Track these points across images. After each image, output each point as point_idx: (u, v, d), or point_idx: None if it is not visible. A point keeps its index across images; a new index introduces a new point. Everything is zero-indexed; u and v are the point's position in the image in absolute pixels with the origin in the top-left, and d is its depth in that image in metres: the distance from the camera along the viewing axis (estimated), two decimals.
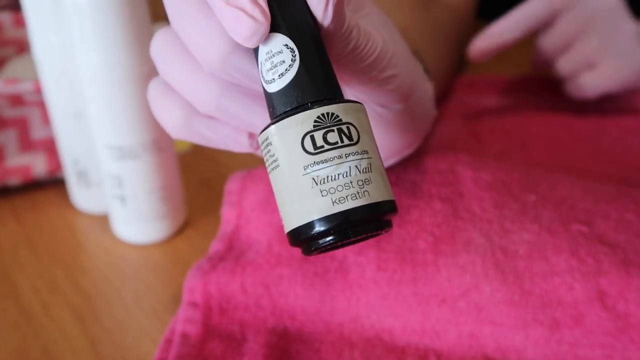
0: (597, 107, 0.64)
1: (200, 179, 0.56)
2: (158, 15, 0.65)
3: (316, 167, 0.24)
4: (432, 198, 0.40)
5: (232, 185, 0.45)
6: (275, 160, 0.25)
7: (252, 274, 0.38)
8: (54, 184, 0.55)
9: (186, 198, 0.52)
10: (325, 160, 0.24)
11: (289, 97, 0.25)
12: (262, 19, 0.25)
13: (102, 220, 0.50)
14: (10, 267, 0.46)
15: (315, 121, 0.25)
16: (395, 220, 0.39)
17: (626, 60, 0.59)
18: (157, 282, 0.44)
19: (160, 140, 0.44)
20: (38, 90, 0.51)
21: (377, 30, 0.31)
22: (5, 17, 0.63)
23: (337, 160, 0.24)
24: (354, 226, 0.25)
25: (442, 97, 0.68)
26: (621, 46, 0.59)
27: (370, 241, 0.38)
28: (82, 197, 0.51)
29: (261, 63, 0.26)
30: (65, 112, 0.47)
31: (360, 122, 0.26)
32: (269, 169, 0.26)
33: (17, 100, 0.52)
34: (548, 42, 0.61)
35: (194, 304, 0.38)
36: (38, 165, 0.54)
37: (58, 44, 0.45)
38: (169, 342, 0.37)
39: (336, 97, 0.26)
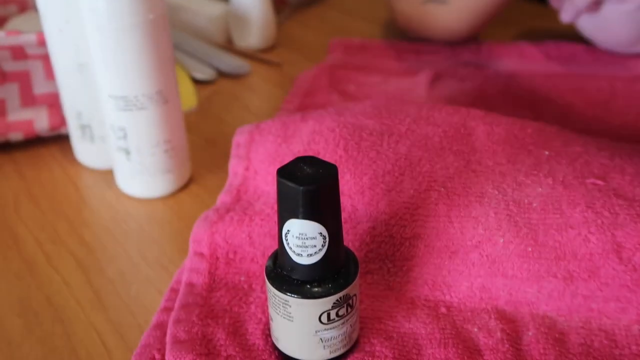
0: (608, 71, 0.63)
1: (206, 137, 0.55)
2: None
3: (325, 332, 0.30)
4: (444, 151, 0.39)
5: (240, 138, 0.44)
6: (290, 316, 0.30)
7: (259, 224, 0.37)
8: (57, 140, 0.54)
9: (191, 156, 0.51)
10: (333, 327, 0.30)
11: (312, 272, 0.29)
12: None
13: (107, 176, 0.49)
14: (11, 219, 0.45)
15: (333, 303, 0.29)
16: (407, 172, 0.38)
17: None
18: (162, 236, 0.43)
19: (165, 92, 0.43)
20: (41, 43, 0.50)
21: None
22: None
23: (340, 326, 0.30)
24: None
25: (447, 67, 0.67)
26: None
27: (380, 193, 0.37)
28: (85, 152, 0.50)
29: (292, 236, 0.28)
30: (68, 63, 0.46)
31: (358, 287, 0.31)
32: (278, 313, 0.30)
33: (19, 53, 0.51)
34: None
35: (200, 254, 0.38)
36: (41, 121, 0.53)
37: None
38: (174, 291, 0.37)
39: (343, 268, 0.30)
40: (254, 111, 0.60)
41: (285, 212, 0.28)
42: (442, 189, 0.37)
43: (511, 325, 0.33)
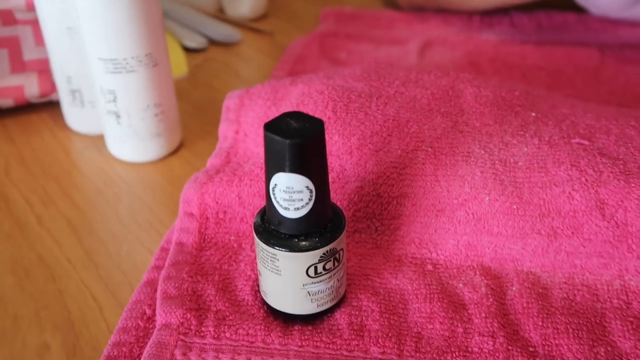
0: (598, 39, 0.63)
1: (196, 104, 0.55)
2: None
3: (312, 285, 0.31)
4: (432, 112, 0.40)
5: (230, 103, 0.45)
6: (278, 269, 0.30)
7: (249, 184, 0.38)
8: (48, 106, 0.54)
9: (182, 122, 0.52)
10: (320, 281, 0.31)
11: (299, 226, 0.30)
12: None
13: (97, 141, 0.50)
14: (2, 183, 0.45)
15: (320, 256, 0.30)
16: (394, 133, 0.38)
17: None
18: (152, 198, 0.43)
19: (155, 55, 0.43)
20: (30, 8, 0.50)
21: None
22: None
23: (328, 279, 0.31)
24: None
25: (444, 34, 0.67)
26: None
27: (368, 153, 0.37)
28: (76, 117, 0.50)
29: (279, 190, 0.29)
30: (57, 27, 0.46)
31: (345, 241, 0.31)
32: (266, 267, 0.31)
33: (8, 18, 0.51)
34: None
35: (190, 214, 0.38)
36: (31, 87, 0.52)
37: None
38: (165, 250, 0.37)
39: (331, 221, 0.31)
40: (245, 79, 0.60)
41: (272, 167, 0.29)
42: (429, 149, 0.37)
43: (496, 281, 0.34)
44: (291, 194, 0.29)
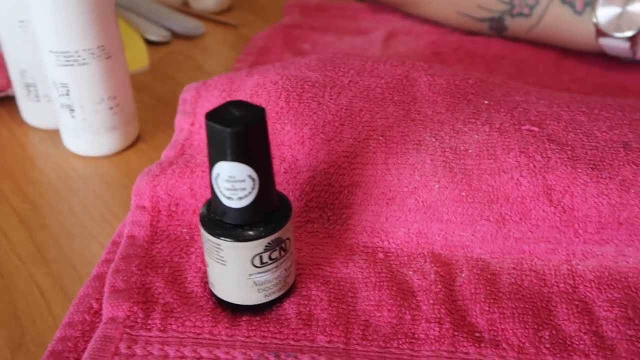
0: None
1: (157, 97, 0.55)
2: None
3: (258, 275, 0.31)
4: (385, 101, 0.40)
5: (186, 95, 0.44)
6: (223, 260, 0.30)
7: (201, 175, 0.37)
8: (5, 102, 0.54)
9: (141, 115, 0.51)
10: (267, 271, 0.31)
11: (243, 215, 0.29)
12: None
13: (53, 135, 0.49)
14: None
15: (265, 246, 0.30)
16: (347, 122, 0.38)
17: None
18: (107, 192, 0.43)
19: (108, 47, 0.43)
20: None
21: None
22: None
23: (274, 269, 0.31)
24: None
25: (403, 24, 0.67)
26: None
27: (320, 143, 0.37)
28: (31, 111, 0.50)
29: (222, 179, 0.28)
30: (9, 19, 0.46)
31: (291, 230, 0.31)
32: (212, 258, 0.31)
33: None
34: None
35: (142, 208, 0.38)
36: None
37: None
38: (116, 244, 0.37)
39: (277, 211, 0.30)
40: (208, 71, 0.60)
41: (214, 156, 0.28)
42: (381, 138, 0.37)
43: (445, 268, 0.34)
44: (234, 183, 0.28)
